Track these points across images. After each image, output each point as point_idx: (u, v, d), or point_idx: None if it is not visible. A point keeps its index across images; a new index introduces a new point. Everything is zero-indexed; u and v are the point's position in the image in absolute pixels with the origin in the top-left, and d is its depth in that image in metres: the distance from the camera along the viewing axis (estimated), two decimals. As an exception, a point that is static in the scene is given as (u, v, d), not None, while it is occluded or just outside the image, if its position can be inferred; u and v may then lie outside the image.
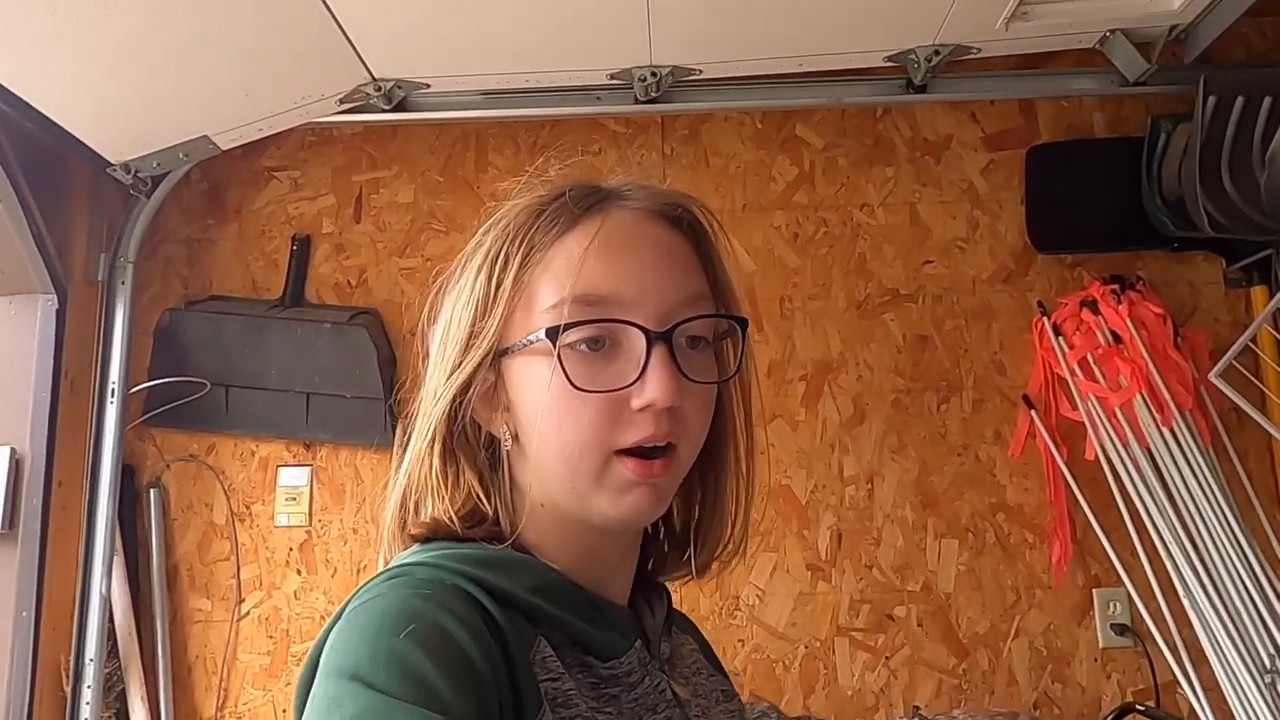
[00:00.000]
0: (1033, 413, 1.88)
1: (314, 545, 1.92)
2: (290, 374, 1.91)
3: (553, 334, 0.61)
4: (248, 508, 1.94)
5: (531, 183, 0.70)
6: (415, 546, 0.65)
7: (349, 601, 0.59)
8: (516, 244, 0.65)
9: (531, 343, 0.63)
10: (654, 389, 0.61)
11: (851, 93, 1.86)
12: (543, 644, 0.59)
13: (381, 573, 0.61)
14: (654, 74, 1.74)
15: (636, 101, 1.81)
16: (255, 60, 1.59)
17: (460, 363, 0.65)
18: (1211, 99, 1.80)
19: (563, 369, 0.61)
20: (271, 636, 1.89)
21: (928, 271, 1.97)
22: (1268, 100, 1.81)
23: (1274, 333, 1.75)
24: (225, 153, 1.87)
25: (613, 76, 1.76)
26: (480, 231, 0.69)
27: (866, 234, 1.98)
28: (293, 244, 2.00)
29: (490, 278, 0.65)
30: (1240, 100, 1.80)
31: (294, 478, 1.93)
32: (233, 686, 1.87)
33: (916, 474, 1.90)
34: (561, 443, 0.62)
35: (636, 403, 0.62)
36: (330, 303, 1.99)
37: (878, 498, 1.90)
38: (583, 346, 0.62)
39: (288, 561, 1.92)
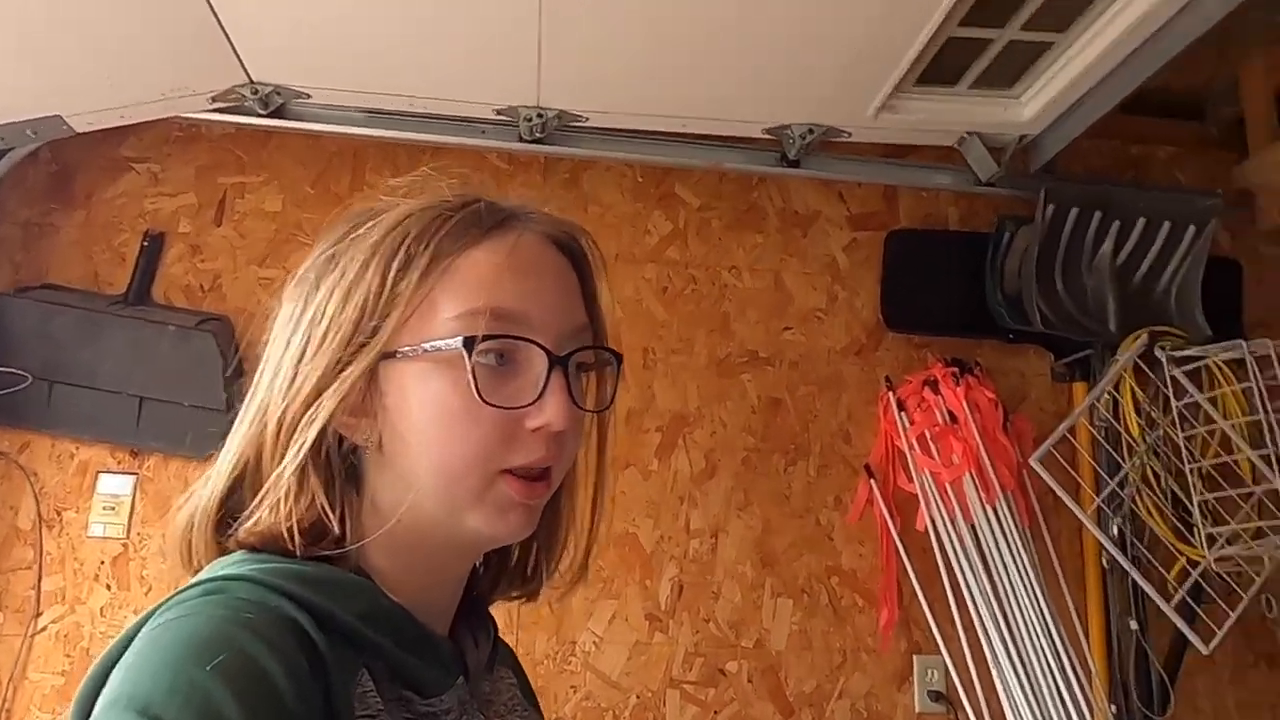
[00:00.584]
0: (872, 482, 1.96)
1: (129, 560, 1.80)
2: (125, 375, 1.80)
3: (469, 343, 0.61)
4: (59, 514, 1.80)
5: (424, 184, 0.70)
6: (239, 555, 0.61)
7: (154, 612, 0.54)
8: (421, 246, 0.63)
9: (432, 349, 0.61)
10: (552, 411, 0.62)
11: (729, 158, 1.93)
12: (365, 676, 0.57)
13: (196, 584, 0.57)
14: (540, 115, 1.76)
15: (521, 140, 1.82)
16: (123, 44, 1.52)
17: (342, 361, 0.62)
18: (1051, 207, 1.96)
19: (474, 380, 0.60)
20: (69, 655, 1.75)
21: (786, 338, 2.04)
22: (1098, 214, 1.99)
23: (1089, 427, 1.89)
24: (80, 136, 1.77)
25: (499, 112, 1.77)
26: (362, 225, 0.67)
27: (732, 295, 2.04)
28: (144, 240, 1.90)
29: (385, 276, 0.63)
30: (1075, 211, 1.98)
31: (115, 486, 1.81)
32: (17, 708, 1.72)
33: (759, 532, 1.95)
34: (447, 455, 0.61)
35: (532, 423, 0.62)
36: (178, 305, 1.90)
37: (720, 553, 1.94)
38: (489, 360, 0.62)
39: (98, 575, 1.79)
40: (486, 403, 0.61)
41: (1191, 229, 2.00)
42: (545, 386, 0.62)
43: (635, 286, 2.01)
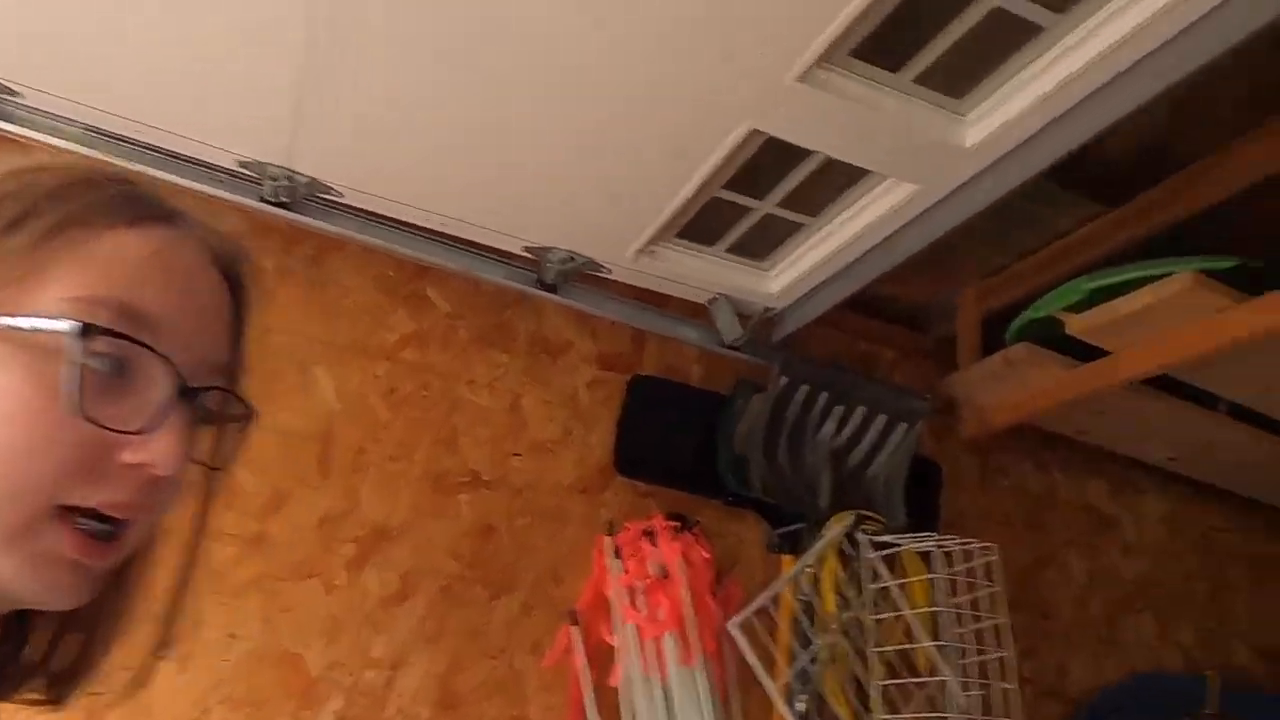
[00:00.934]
0: (575, 629, 1.86)
1: None
2: None
3: (86, 333, 0.48)
4: None
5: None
6: None
7: None
8: (51, 203, 0.51)
9: (28, 328, 0.48)
10: (162, 449, 0.50)
11: (486, 269, 1.87)
12: None
13: None
14: (290, 178, 1.63)
15: (263, 200, 1.68)
16: None
17: None
18: (784, 379, 2.03)
19: (80, 381, 0.47)
20: None
21: (514, 464, 1.95)
22: (825, 395, 2.08)
23: (792, 600, 1.91)
24: None
25: (243, 164, 1.62)
26: None
27: (465, 410, 1.93)
28: None
29: None
30: (805, 388, 2.06)
31: None
32: None
33: (445, 669, 1.78)
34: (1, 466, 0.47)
35: (130, 457, 0.49)
36: None
37: (398, 687, 1.74)
38: (101, 364, 0.49)
39: None
40: (84, 414, 0.48)
41: (903, 425, 2.15)
42: (163, 418, 0.50)
43: (362, 381, 1.86)
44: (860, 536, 1.86)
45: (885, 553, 1.83)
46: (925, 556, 1.88)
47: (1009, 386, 2.23)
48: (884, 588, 1.79)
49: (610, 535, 1.93)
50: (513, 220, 1.75)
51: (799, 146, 1.51)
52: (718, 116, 1.42)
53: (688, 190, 1.60)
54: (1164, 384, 2.14)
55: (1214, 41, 1.19)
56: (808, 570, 1.86)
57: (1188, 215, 2.01)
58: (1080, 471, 2.61)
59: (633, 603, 1.83)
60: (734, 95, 1.37)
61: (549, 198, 1.66)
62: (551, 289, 1.90)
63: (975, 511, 2.40)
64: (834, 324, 2.36)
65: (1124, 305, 1.88)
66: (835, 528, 1.88)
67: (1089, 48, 1.27)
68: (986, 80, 1.37)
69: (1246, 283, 1.81)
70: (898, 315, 2.55)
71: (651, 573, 1.87)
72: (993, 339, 2.32)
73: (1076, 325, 1.97)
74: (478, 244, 1.84)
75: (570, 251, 1.82)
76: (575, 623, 1.86)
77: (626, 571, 1.87)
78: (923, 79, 1.37)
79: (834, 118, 1.40)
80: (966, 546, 1.75)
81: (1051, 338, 2.12)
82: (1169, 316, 1.84)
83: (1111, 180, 2.19)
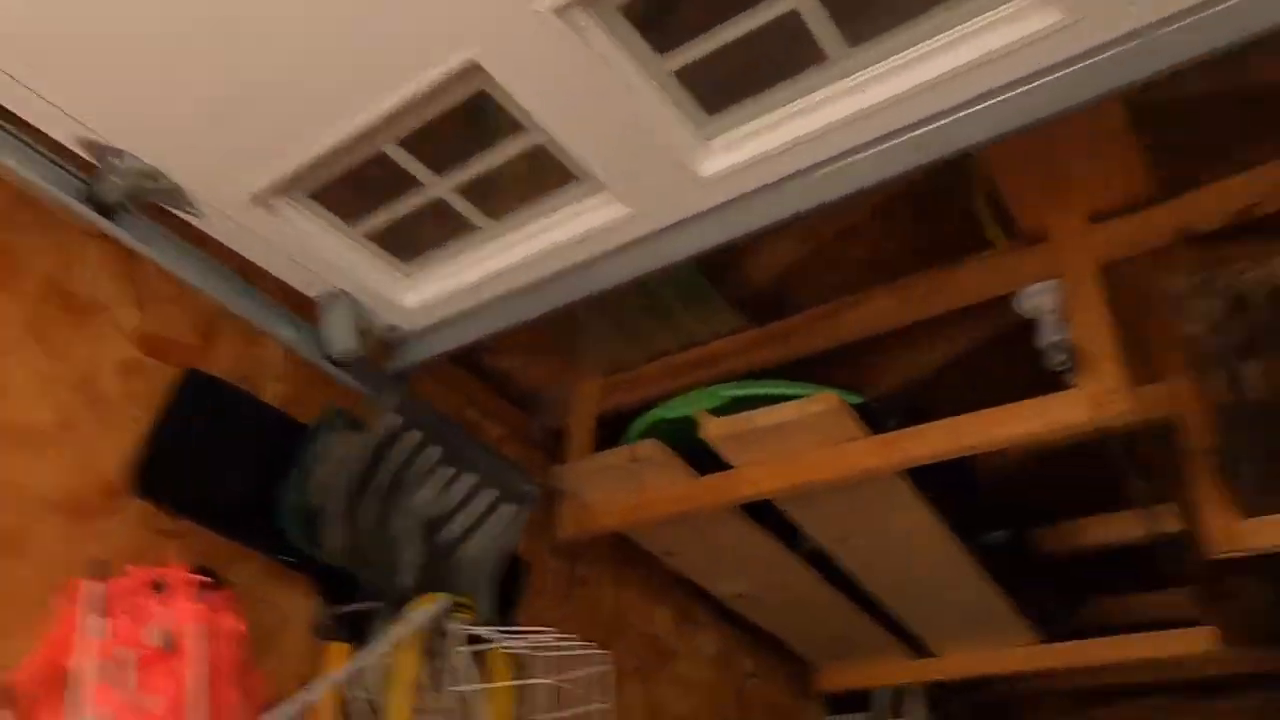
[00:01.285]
0: (4, 715, 1.21)
1: None
2: None
3: None
4: None
5: None
6: None
7: None
8: None
9: None
10: None
11: (15, 153, 1.25)
12: None
13: None
14: None
15: None
16: None
17: None
18: (395, 419, 1.63)
19: None
20: None
21: (-35, 450, 1.28)
22: (438, 450, 1.71)
23: (349, 700, 1.44)
24: None
25: None
26: None
27: (-97, 353, 1.25)
28: None
29: None
30: (418, 436, 1.68)
31: None
32: None
33: None
34: None
35: None
36: None
37: None
38: None
39: None
40: None
41: (511, 507, 1.84)
42: None
43: None
44: (451, 627, 1.48)
45: (478, 648, 1.47)
46: (518, 660, 1.55)
47: (622, 488, 2.04)
48: (470, 692, 1.42)
49: (100, 580, 1.32)
50: (71, 91, 1.19)
51: (514, 114, 1.21)
52: (430, 29, 1.08)
53: (351, 126, 1.21)
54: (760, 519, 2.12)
55: (983, 125, 1.14)
56: (381, 661, 1.42)
57: (823, 348, 2.04)
58: (651, 597, 2.49)
59: (117, 681, 1.23)
60: (461, 6, 1.05)
61: (133, 75, 1.15)
62: (107, 213, 1.33)
63: (552, 620, 2.11)
64: (450, 383, 2.04)
65: (763, 417, 1.81)
66: (423, 610, 1.47)
67: (860, 98, 1.16)
68: (746, 101, 1.20)
69: (868, 420, 1.84)
70: (510, 392, 2.30)
71: (155, 643, 1.29)
72: (604, 439, 2.16)
73: (712, 430, 1.86)
74: (8, 113, 1.23)
75: (153, 168, 1.29)
76: (8, 703, 1.21)
77: (115, 635, 1.27)
78: (684, 75, 1.16)
79: (574, 80, 1.13)
80: (588, 651, 1.45)
81: (673, 444, 1.99)
82: (805, 436, 1.79)
83: (748, 301, 2.20)
